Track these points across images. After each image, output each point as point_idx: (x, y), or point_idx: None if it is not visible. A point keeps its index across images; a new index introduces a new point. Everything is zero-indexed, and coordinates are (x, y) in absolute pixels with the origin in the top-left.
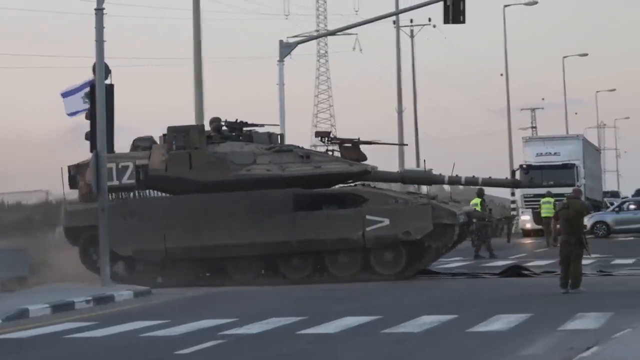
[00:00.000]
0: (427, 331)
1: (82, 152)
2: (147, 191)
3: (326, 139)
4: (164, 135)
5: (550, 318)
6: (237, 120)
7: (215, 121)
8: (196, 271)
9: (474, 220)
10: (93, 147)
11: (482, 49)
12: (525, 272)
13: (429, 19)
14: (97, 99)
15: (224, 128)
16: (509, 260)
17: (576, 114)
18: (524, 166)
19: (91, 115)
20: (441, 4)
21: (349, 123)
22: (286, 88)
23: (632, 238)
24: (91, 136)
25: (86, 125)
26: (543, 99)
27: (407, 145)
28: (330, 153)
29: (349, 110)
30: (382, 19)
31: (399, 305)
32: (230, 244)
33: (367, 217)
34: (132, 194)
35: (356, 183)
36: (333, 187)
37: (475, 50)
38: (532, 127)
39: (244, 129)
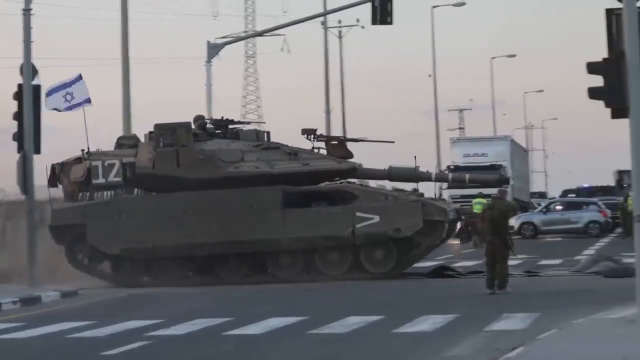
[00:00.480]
0: (354, 332)
1: (8, 153)
2: (134, 189)
3: (312, 136)
4: (150, 132)
5: (477, 319)
6: (222, 117)
7: (200, 119)
8: (184, 269)
9: (462, 217)
10: (20, 148)
11: (411, 50)
12: (451, 272)
13: (357, 20)
14: (25, 100)
15: (209, 125)
16: (436, 261)
17: (504, 115)
18: (452, 167)
19: (18, 116)
20: (369, 5)
21: (277, 124)
22: (214, 89)
23: (559, 239)
24: (18, 137)
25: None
26: (471, 100)
27: (393, 142)
28: (316, 150)
29: (278, 111)
30: (311, 20)
31: (326, 306)
32: (218, 242)
33: (357, 214)
34: (119, 192)
35: (341, 181)
36: (321, 184)
37: (403, 51)
38: (460, 128)
39: (230, 126)
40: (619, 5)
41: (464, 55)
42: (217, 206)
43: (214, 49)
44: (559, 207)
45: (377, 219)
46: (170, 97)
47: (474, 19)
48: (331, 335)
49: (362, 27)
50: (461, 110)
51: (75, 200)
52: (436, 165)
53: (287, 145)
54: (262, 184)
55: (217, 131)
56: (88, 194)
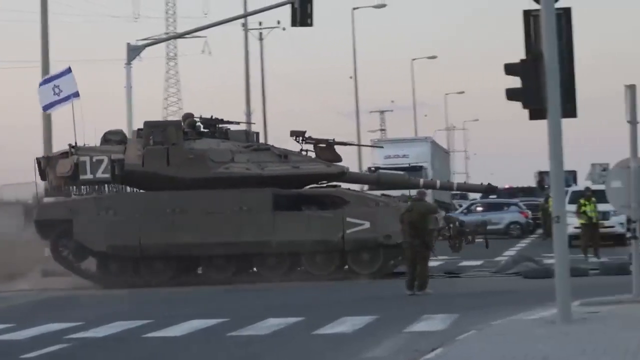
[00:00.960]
0: (274, 333)
1: None
2: (121, 186)
3: (301, 138)
4: (139, 129)
5: (396, 320)
6: (212, 116)
7: (189, 117)
8: (171, 269)
9: (451, 225)
10: None
11: (332, 52)
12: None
13: (278, 22)
14: None
15: (198, 124)
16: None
17: (425, 116)
18: (372, 168)
19: None
20: (290, 6)
21: None
22: (135, 91)
23: (480, 240)
24: None
25: None
26: (392, 101)
27: (382, 147)
28: (304, 153)
29: (199, 113)
30: (231, 22)
31: (247, 307)
32: (207, 242)
33: (348, 219)
34: (106, 189)
35: (328, 184)
36: (313, 188)
37: (325, 53)
38: (381, 130)
39: (219, 125)
40: (536, 6)
41: (385, 57)
42: (207, 206)
43: (134, 51)
44: (479, 208)
45: (367, 224)
46: (92, 98)
47: (395, 21)
48: (251, 337)
49: (283, 28)
50: (382, 112)
51: (67, 195)
52: (359, 167)
53: (276, 147)
54: (252, 185)
55: (205, 130)
56: (76, 189)
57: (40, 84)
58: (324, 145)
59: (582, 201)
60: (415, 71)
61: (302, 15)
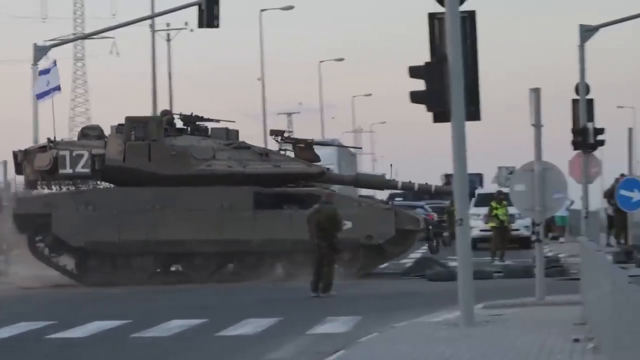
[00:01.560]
0: (177, 335)
1: None
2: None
3: (280, 137)
4: (119, 125)
5: (300, 322)
6: (192, 114)
7: (168, 114)
8: (150, 265)
9: (430, 227)
10: None
11: (240, 53)
12: None
13: (186, 23)
14: None
15: (174, 121)
16: None
17: (333, 118)
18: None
19: None
20: (197, 8)
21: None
22: None
23: None
24: None
25: None
26: (300, 103)
27: (361, 148)
28: (283, 152)
29: (107, 113)
30: (139, 23)
31: (151, 309)
32: (187, 239)
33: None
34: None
35: (306, 184)
36: (293, 187)
37: (233, 54)
38: (289, 132)
39: (198, 123)
40: (441, 9)
41: (293, 59)
42: (188, 203)
43: (40, 52)
44: None
45: (349, 224)
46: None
47: (303, 23)
48: (154, 338)
49: (191, 30)
50: (290, 114)
51: (49, 188)
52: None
53: (256, 146)
54: (233, 183)
55: (184, 127)
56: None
57: (40, 74)
58: (302, 145)
59: (493, 204)
60: (322, 73)
61: (209, 17)
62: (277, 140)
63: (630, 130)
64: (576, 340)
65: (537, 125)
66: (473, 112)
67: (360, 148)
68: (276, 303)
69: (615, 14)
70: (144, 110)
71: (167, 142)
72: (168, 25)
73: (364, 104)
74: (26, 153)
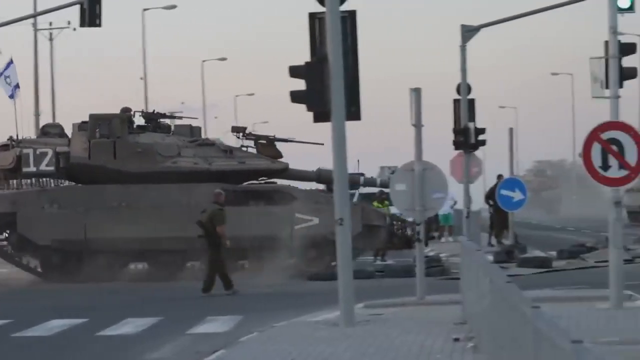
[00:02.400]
0: (57, 335)
1: None
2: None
3: (241, 134)
4: (82, 122)
5: (180, 321)
6: (154, 111)
7: (128, 111)
8: (117, 264)
9: (394, 223)
10: None
11: (123, 52)
12: None
13: (69, 22)
14: None
15: (137, 118)
16: None
17: (216, 118)
18: None
19: None
20: (79, 7)
21: None
22: None
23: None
24: None
25: None
26: (183, 103)
27: (323, 144)
28: (245, 149)
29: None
30: (21, 21)
31: (31, 309)
32: (154, 237)
33: (297, 215)
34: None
35: (266, 180)
36: (256, 183)
37: (116, 53)
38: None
39: (160, 120)
40: (322, 9)
41: (176, 58)
42: (154, 201)
43: None
44: None
45: (316, 220)
46: None
47: (185, 22)
48: (34, 338)
49: (74, 29)
50: (172, 114)
51: (7, 188)
52: None
53: (221, 143)
54: (199, 180)
55: (146, 124)
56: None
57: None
58: (264, 141)
59: (375, 204)
60: (205, 73)
61: (91, 16)
62: (238, 137)
63: (511, 130)
64: (456, 339)
65: (418, 125)
66: (353, 112)
67: (322, 144)
68: (157, 302)
69: (497, 14)
70: (26, 110)
71: (131, 139)
72: (51, 24)
73: (247, 103)
74: None
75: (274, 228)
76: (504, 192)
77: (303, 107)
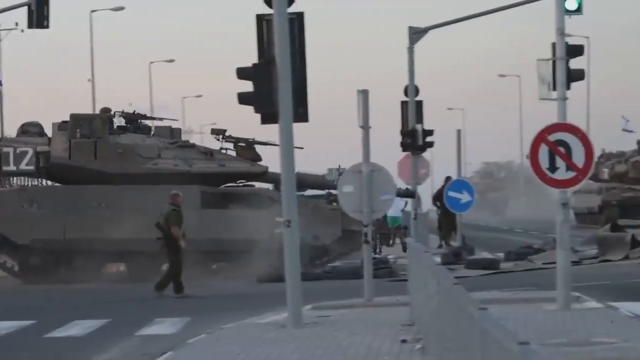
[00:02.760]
0: (4, 337)
1: None
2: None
3: (221, 136)
4: (62, 122)
5: (129, 323)
6: (134, 112)
7: (108, 111)
8: (97, 264)
9: (373, 227)
10: None
11: (71, 54)
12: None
13: (16, 24)
14: None
15: (118, 119)
16: None
17: (162, 120)
18: None
19: None
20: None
21: None
22: None
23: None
24: None
25: None
26: (130, 104)
27: (302, 148)
28: (224, 151)
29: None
30: None
31: None
32: (133, 238)
33: (277, 219)
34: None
35: (244, 183)
36: (234, 186)
37: (64, 55)
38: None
39: (141, 121)
40: (269, 11)
41: (124, 60)
42: (134, 202)
43: None
44: None
45: None
46: None
47: (133, 24)
48: None
49: (22, 30)
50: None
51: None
52: None
53: (200, 145)
54: (179, 182)
55: (127, 125)
56: None
57: None
58: (243, 144)
59: None
60: (153, 74)
61: (39, 17)
62: (218, 139)
63: (458, 132)
64: (404, 341)
65: (365, 127)
66: (301, 113)
67: (302, 148)
68: (106, 304)
69: (445, 16)
70: None
71: (111, 140)
72: None
73: (195, 105)
74: None
75: (253, 231)
76: (451, 193)
77: (251, 108)
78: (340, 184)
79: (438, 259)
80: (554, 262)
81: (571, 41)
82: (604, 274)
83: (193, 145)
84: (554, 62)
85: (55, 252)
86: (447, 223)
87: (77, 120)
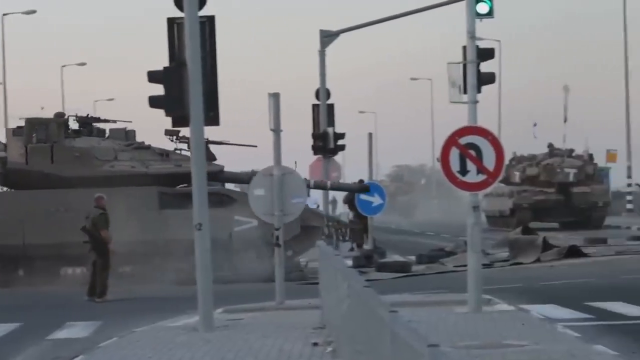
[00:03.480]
0: None
1: None
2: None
3: (175, 137)
4: (17, 127)
5: (40, 327)
6: (88, 115)
7: (62, 116)
8: (57, 268)
9: (329, 223)
10: None
11: None
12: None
13: None
14: None
15: (71, 122)
16: None
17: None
18: None
19: None
20: None
21: None
22: None
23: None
24: None
25: None
26: (42, 108)
27: (256, 147)
28: (178, 152)
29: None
30: None
31: None
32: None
33: (236, 217)
34: None
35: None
36: (188, 186)
37: None
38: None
39: (95, 124)
40: (180, 14)
41: (35, 63)
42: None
43: None
44: None
45: (255, 223)
46: None
47: (45, 27)
48: None
49: None
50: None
51: None
52: None
53: (156, 147)
54: (137, 183)
55: (80, 128)
56: None
57: None
58: None
59: None
60: (65, 78)
61: None
62: (172, 140)
63: (370, 135)
64: (315, 344)
65: (277, 130)
66: (212, 117)
67: (256, 146)
68: (17, 308)
69: (357, 19)
70: None
71: (67, 143)
72: None
73: (107, 108)
74: None
75: (213, 231)
76: (363, 196)
77: (162, 112)
78: (251, 187)
79: (349, 262)
80: (465, 265)
81: (482, 44)
82: (516, 276)
83: (149, 147)
84: (464, 66)
85: (14, 257)
86: (359, 226)
87: (33, 124)
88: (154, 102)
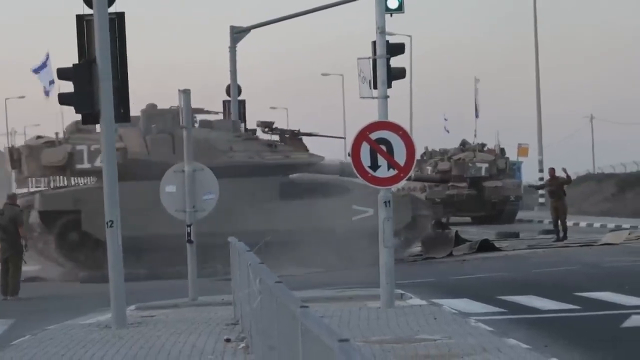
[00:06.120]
0: None
1: None
2: None
3: (268, 129)
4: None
5: None
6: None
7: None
8: None
9: None
10: None
11: None
12: None
13: None
14: None
15: None
16: None
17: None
18: None
19: None
20: None
21: None
22: None
23: None
24: None
25: None
26: None
27: (344, 138)
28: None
29: None
30: None
31: None
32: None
33: (354, 207)
34: None
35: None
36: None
37: None
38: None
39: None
40: (90, 11)
41: None
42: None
43: None
44: None
45: (371, 212)
46: None
47: None
48: None
49: None
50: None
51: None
52: None
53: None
54: (254, 174)
55: None
56: None
57: (35, 71)
58: (288, 135)
59: None
60: None
61: None
62: (264, 131)
63: None
64: (228, 340)
65: (187, 127)
66: (123, 114)
67: (344, 138)
68: None
69: (268, 14)
70: None
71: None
72: None
73: (18, 106)
74: (31, 149)
75: (332, 219)
76: None
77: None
78: (162, 184)
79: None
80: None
81: (394, 40)
82: (428, 271)
83: (256, 138)
84: (374, 61)
85: None
86: None
87: (151, 115)
88: (64, 99)
